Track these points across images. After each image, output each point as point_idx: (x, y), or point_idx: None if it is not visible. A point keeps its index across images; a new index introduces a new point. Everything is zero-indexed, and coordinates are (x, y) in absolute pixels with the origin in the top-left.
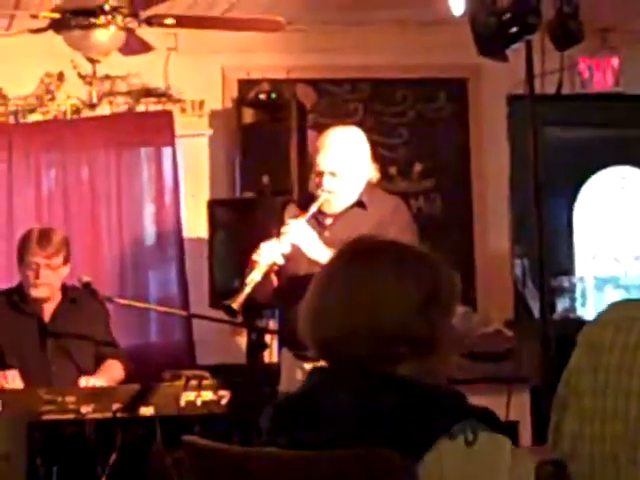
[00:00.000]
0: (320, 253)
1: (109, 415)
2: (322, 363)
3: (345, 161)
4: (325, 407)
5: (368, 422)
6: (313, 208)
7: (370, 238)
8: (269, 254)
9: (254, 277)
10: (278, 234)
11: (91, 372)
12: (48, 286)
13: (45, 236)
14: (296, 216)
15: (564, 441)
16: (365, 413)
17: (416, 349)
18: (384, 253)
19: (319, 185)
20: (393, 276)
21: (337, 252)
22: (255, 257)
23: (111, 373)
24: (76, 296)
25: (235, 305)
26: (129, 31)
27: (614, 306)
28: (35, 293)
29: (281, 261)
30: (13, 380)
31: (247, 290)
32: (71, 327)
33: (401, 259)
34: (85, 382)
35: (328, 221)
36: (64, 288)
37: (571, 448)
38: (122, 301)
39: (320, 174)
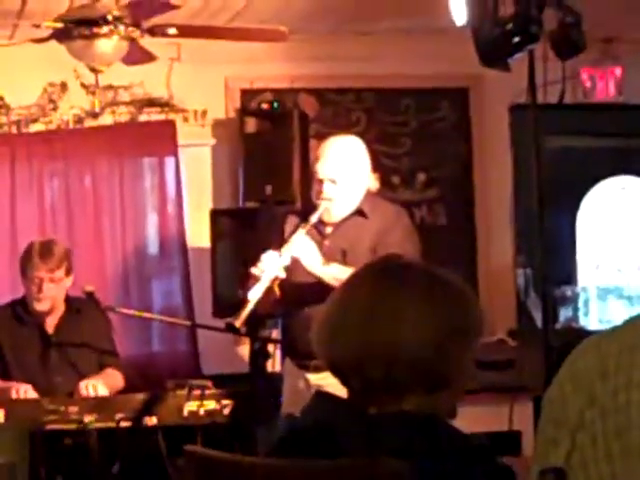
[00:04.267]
0: (319, 267)
1: (112, 425)
2: (325, 375)
3: (344, 168)
4: (339, 442)
5: None
6: (314, 218)
7: (400, 258)
8: (270, 268)
9: (256, 293)
10: (279, 245)
11: None
12: (51, 299)
13: (47, 249)
14: (297, 227)
15: None
16: (382, 453)
17: (429, 382)
18: (415, 277)
19: (319, 193)
20: (421, 303)
21: (363, 268)
22: (256, 271)
23: (111, 380)
24: (80, 307)
25: (238, 323)
26: (132, 41)
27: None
28: (39, 307)
29: (282, 275)
30: (26, 394)
31: (249, 307)
32: (74, 338)
33: (431, 286)
34: (85, 385)
35: (328, 230)
36: (68, 299)
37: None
38: (125, 311)
39: (320, 182)
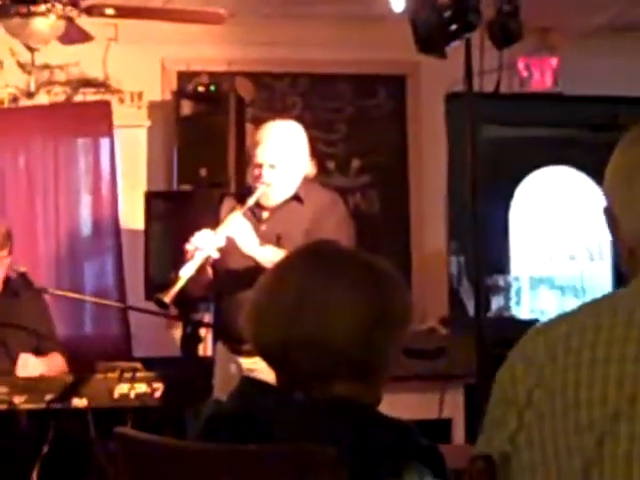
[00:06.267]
0: (254, 248)
1: (42, 406)
2: (257, 359)
3: (284, 154)
4: (265, 427)
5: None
6: (251, 201)
7: (331, 244)
8: (203, 247)
9: (187, 271)
10: (214, 228)
11: None
12: None
13: None
14: (233, 209)
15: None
16: (308, 439)
17: (356, 369)
18: (345, 264)
19: (258, 177)
20: (350, 290)
21: (294, 253)
22: (189, 247)
23: (54, 363)
24: (17, 289)
25: (167, 299)
26: (69, 20)
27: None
28: None
29: (215, 255)
30: None
31: (180, 284)
32: (12, 319)
33: (361, 274)
34: (24, 361)
35: (265, 215)
36: (6, 280)
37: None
38: (58, 292)
39: (259, 166)
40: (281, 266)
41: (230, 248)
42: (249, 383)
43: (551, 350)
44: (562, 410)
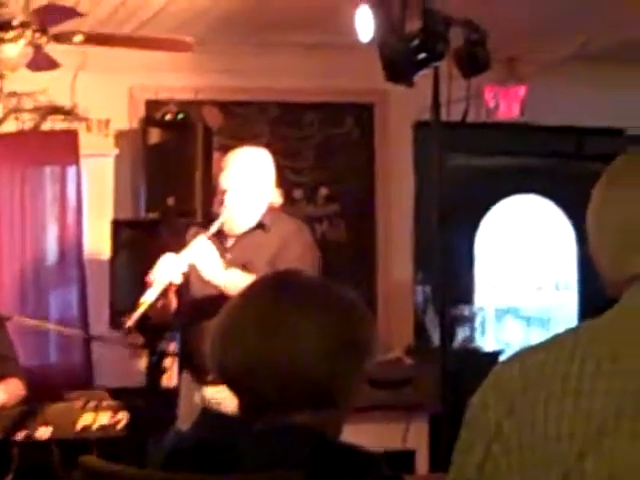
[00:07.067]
0: (219, 272)
1: (6, 436)
2: (222, 389)
3: (248, 179)
4: (226, 457)
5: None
6: (214, 226)
7: (297, 273)
8: (166, 271)
9: (150, 296)
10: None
11: None
12: None
13: None
14: (197, 234)
15: None
16: (270, 468)
17: (319, 398)
18: (311, 294)
19: (222, 203)
20: (315, 320)
21: (259, 280)
22: (151, 275)
23: (12, 388)
24: None
25: (129, 323)
26: (37, 47)
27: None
28: None
29: (178, 280)
30: None
31: (142, 309)
32: None
33: (326, 303)
34: None
35: (229, 243)
36: None
37: None
38: (21, 320)
39: (223, 192)
40: (246, 293)
41: (195, 277)
42: (209, 414)
43: (524, 381)
44: (530, 443)
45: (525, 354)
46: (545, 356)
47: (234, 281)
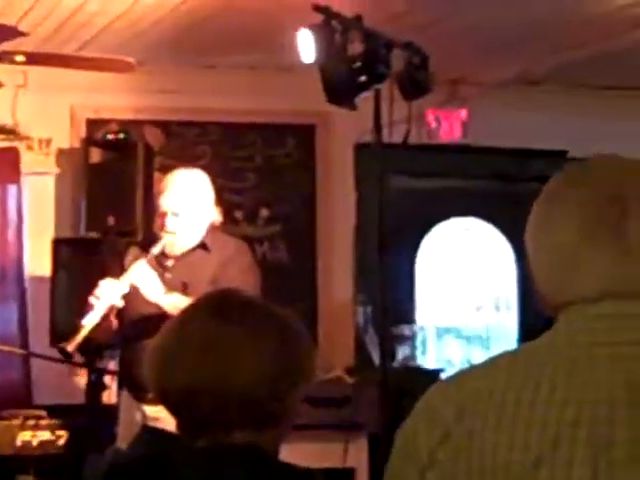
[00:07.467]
0: (159, 296)
1: None
2: (162, 407)
3: (188, 202)
4: (164, 476)
5: None
6: (155, 250)
7: (237, 293)
8: (107, 295)
9: (91, 319)
10: (119, 276)
11: None
12: None
13: None
14: (138, 257)
15: None
16: None
17: (258, 418)
18: (250, 314)
19: (162, 226)
20: (255, 340)
21: (200, 300)
22: (93, 298)
23: None
24: None
25: (70, 348)
26: None
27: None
28: None
29: (120, 303)
30: None
31: (83, 333)
32: None
33: (266, 324)
34: None
35: (169, 263)
36: None
37: None
38: None
39: (163, 215)
40: (187, 312)
41: (135, 295)
42: (149, 432)
43: (459, 409)
44: (466, 473)
45: (461, 379)
46: (481, 383)
47: (175, 304)
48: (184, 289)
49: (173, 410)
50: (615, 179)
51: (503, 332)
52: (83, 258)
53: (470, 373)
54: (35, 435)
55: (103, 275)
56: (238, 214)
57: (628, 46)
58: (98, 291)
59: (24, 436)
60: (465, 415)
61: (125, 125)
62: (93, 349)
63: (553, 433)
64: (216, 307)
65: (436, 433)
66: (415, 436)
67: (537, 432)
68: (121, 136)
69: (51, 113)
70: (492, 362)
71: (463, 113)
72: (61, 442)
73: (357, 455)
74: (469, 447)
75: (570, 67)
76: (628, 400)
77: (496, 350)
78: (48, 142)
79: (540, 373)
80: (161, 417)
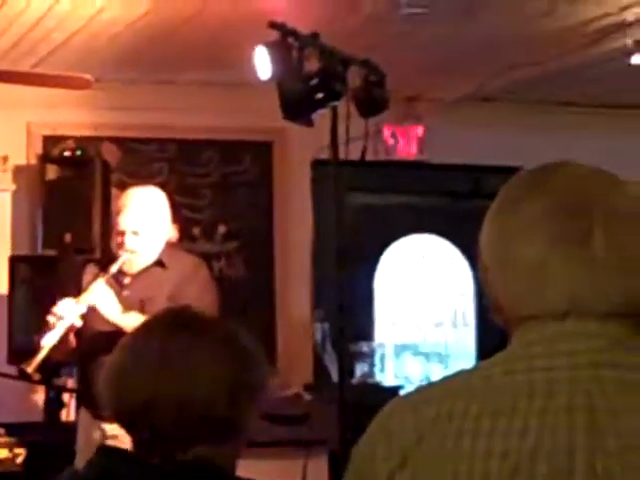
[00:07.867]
0: (117, 316)
1: None
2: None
3: (145, 220)
4: None
5: None
6: (114, 268)
7: (191, 310)
8: (66, 315)
9: (50, 340)
10: (77, 294)
11: None
12: None
13: None
14: (96, 276)
15: None
16: None
17: (216, 434)
18: (206, 330)
19: (121, 245)
20: (211, 356)
21: (155, 316)
22: (51, 317)
23: None
24: None
25: (29, 369)
26: None
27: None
28: None
29: (79, 323)
30: None
31: (42, 354)
32: None
33: (221, 340)
34: None
35: (127, 280)
36: None
37: None
38: None
39: (122, 234)
40: (143, 329)
41: (94, 314)
42: (105, 451)
43: (418, 433)
44: None
45: (418, 405)
46: (440, 409)
47: (132, 323)
48: (141, 306)
49: (128, 427)
50: (578, 187)
51: (461, 348)
52: (40, 275)
53: (428, 397)
54: None
55: (61, 292)
56: (196, 231)
57: (582, 63)
58: (57, 310)
59: None
60: (424, 440)
61: (82, 142)
62: (51, 367)
63: (514, 464)
64: (171, 324)
65: (395, 456)
66: (373, 461)
67: (496, 463)
68: (78, 153)
69: (7, 130)
70: (450, 383)
71: (419, 130)
72: (19, 460)
73: (317, 472)
74: (428, 473)
75: (525, 84)
76: (586, 427)
77: (454, 366)
78: (5, 159)
79: (499, 399)
80: (119, 435)
